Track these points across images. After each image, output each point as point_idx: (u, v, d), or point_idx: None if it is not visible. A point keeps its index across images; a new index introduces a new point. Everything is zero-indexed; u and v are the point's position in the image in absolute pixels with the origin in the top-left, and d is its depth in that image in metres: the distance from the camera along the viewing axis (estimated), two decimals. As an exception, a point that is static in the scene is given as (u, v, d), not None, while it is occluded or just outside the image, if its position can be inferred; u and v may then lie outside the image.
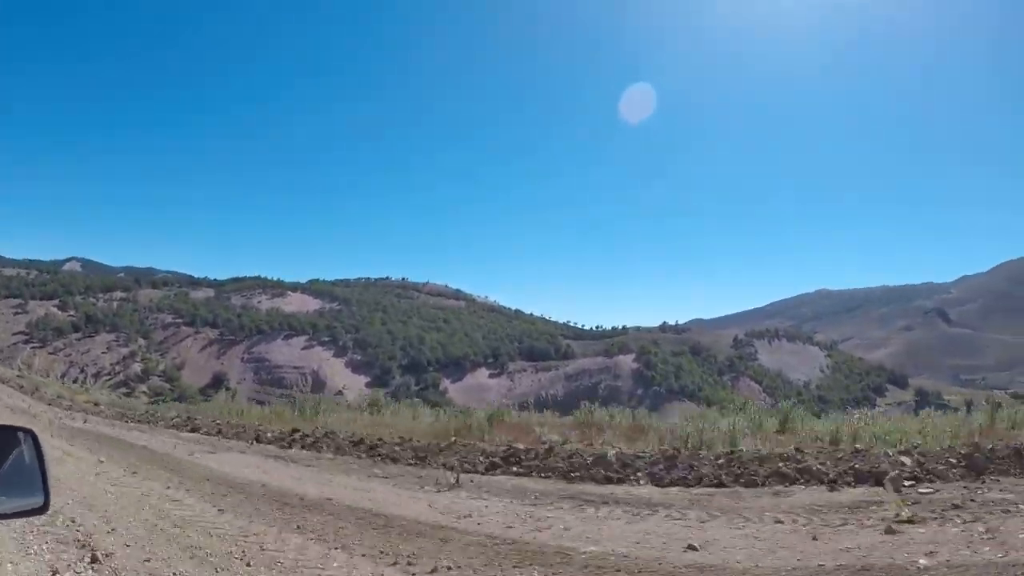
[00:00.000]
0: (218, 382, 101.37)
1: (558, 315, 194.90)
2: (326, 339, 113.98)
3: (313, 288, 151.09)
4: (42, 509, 1.91)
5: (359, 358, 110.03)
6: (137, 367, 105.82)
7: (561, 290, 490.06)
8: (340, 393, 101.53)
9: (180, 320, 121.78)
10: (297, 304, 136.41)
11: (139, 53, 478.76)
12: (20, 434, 2.00)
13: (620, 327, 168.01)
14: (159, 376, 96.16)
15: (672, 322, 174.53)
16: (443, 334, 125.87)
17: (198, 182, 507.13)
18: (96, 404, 27.85)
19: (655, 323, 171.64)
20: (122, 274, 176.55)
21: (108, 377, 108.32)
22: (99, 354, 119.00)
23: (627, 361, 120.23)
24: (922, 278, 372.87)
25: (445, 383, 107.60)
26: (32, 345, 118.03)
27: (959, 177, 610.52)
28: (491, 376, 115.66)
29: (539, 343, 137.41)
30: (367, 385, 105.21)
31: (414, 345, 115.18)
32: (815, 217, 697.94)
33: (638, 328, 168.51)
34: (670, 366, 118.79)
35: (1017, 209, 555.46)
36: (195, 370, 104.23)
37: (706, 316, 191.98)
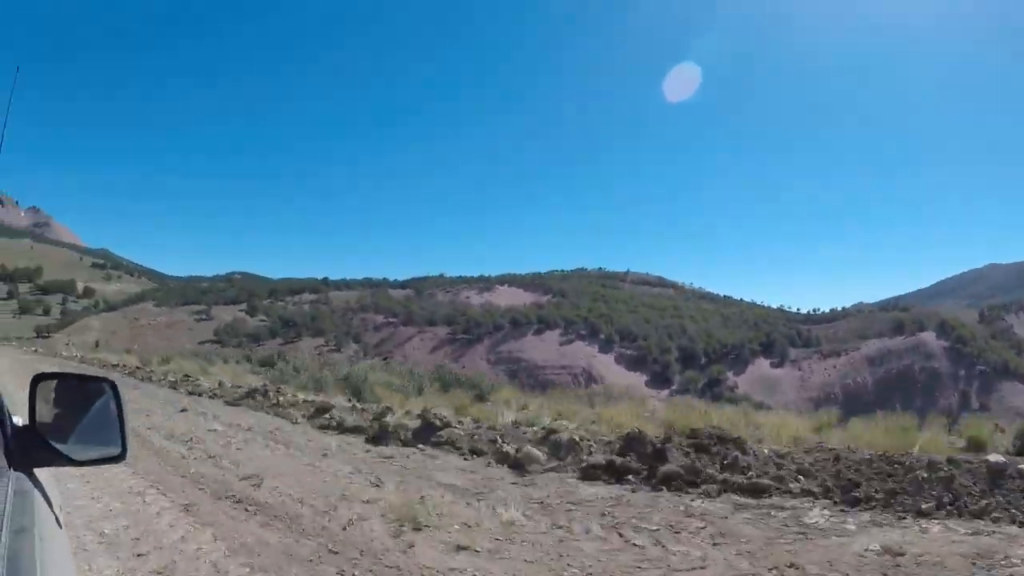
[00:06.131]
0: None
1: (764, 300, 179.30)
2: (583, 332, 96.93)
3: (516, 281, 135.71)
4: (119, 458, 1.90)
5: (629, 352, 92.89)
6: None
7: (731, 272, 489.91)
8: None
9: (394, 320, 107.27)
10: (508, 297, 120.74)
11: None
12: (104, 385, 1.98)
13: (839, 309, 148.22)
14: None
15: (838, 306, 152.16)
16: (695, 322, 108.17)
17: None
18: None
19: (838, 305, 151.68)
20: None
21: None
22: (306, 361, 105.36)
23: (931, 338, 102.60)
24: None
25: (731, 377, 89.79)
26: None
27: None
28: (773, 367, 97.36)
29: (779, 329, 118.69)
30: (647, 385, 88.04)
31: (676, 335, 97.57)
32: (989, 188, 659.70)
33: (859, 309, 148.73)
34: (980, 341, 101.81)
35: None
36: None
37: (867, 299, 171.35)
